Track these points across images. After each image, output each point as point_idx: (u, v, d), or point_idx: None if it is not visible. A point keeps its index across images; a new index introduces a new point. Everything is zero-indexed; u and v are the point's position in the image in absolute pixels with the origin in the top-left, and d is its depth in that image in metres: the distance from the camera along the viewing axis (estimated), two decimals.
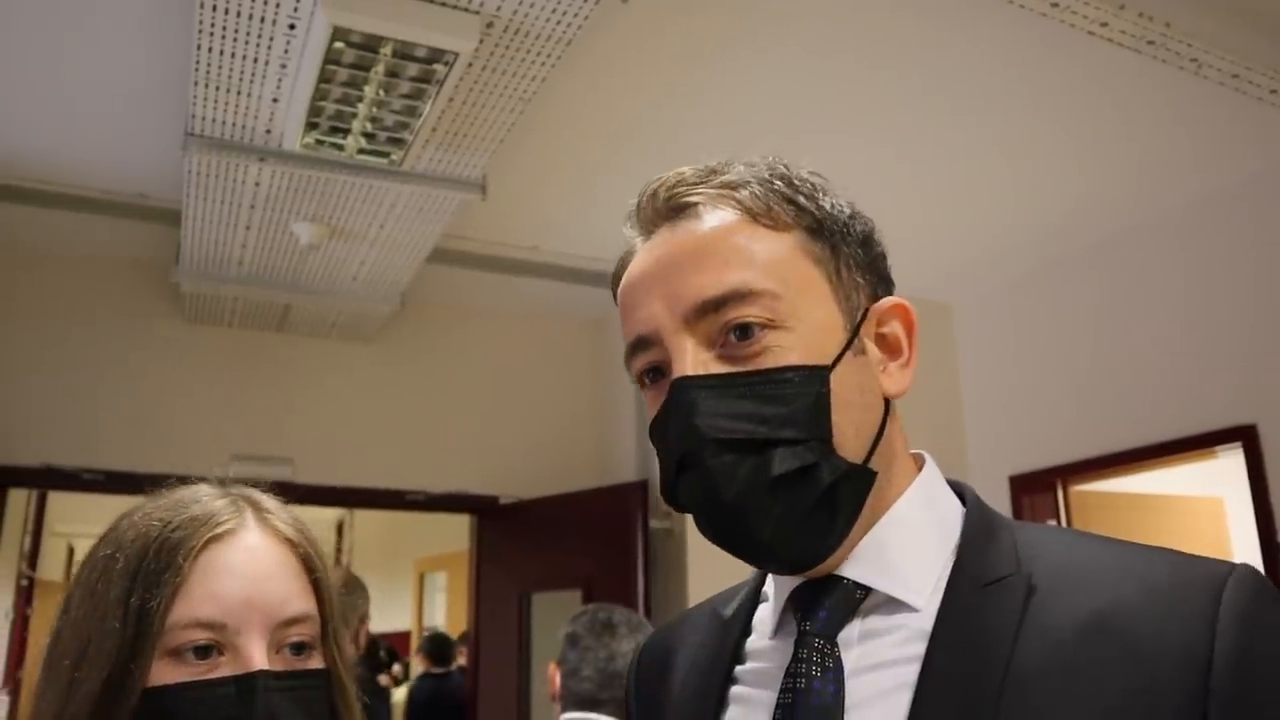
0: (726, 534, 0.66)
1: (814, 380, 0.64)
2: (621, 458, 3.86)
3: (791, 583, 0.70)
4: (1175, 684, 0.57)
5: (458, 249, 3.37)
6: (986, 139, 2.76)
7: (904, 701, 0.61)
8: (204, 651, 0.71)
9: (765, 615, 0.74)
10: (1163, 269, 3.23)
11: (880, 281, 0.72)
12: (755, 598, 0.76)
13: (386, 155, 2.44)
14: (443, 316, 3.91)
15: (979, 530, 0.69)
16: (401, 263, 3.12)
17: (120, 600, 0.71)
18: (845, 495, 0.65)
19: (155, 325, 3.45)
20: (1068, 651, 0.59)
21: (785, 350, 0.64)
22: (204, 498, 0.78)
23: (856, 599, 0.67)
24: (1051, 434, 3.50)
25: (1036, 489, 3.52)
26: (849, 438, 0.65)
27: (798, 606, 0.69)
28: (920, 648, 0.63)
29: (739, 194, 0.69)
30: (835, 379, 0.65)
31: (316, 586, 0.78)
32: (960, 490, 0.73)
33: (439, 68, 2.04)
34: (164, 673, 0.70)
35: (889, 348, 0.70)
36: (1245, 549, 3.83)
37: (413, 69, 2.05)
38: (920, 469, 0.72)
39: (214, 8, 1.88)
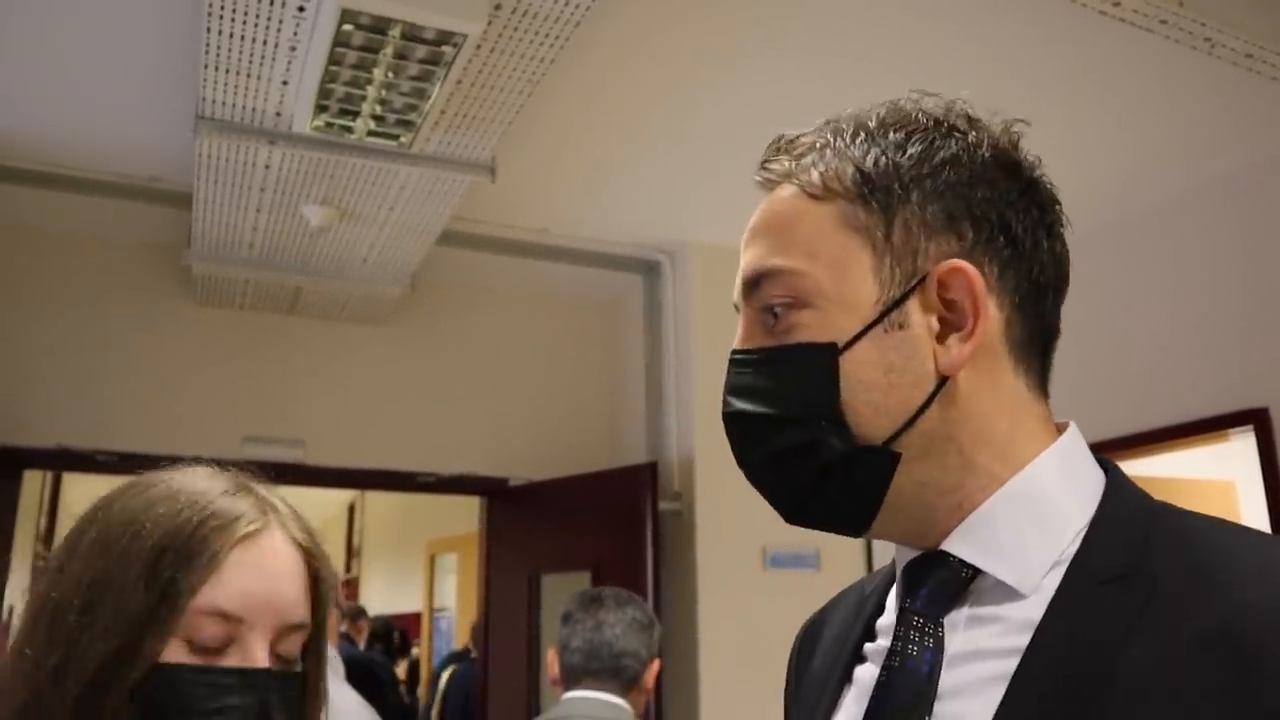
0: (758, 488, 0.69)
1: (819, 358, 0.63)
2: (631, 440, 3.87)
3: (909, 555, 0.67)
4: None
5: (467, 231, 3.38)
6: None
7: (996, 695, 0.58)
8: (216, 651, 0.74)
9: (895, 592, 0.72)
10: (1175, 250, 3.21)
11: (983, 232, 0.64)
12: (894, 573, 0.73)
13: (396, 137, 2.44)
14: (453, 299, 3.92)
15: (1114, 515, 0.63)
16: (411, 245, 3.13)
17: (143, 575, 0.72)
18: (859, 474, 0.63)
19: (167, 308, 3.47)
20: (1180, 663, 0.53)
21: (806, 328, 0.64)
22: (228, 489, 0.80)
23: (964, 578, 0.63)
24: (1061, 416, 3.49)
25: None
26: (865, 418, 0.63)
27: (905, 582, 0.67)
28: (1022, 639, 0.59)
29: (800, 165, 0.68)
30: (849, 357, 0.63)
31: (318, 598, 0.81)
32: (1106, 467, 0.68)
33: (447, 49, 2.04)
34: (174, 653, 0.72)
35: (957, 314, 0.63)
36: None
37: (421, 51, 2.05)
38: (1055, 441, 0.67)
39: None
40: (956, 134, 0.68)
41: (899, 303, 0.63)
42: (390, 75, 2.13)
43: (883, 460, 0.63)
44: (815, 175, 0.67)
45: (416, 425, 3.74)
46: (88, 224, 3.35)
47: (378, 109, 2.29)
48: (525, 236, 3.49)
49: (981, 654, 0.61)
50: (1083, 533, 0.62)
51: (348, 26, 1.95)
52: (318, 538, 0.84)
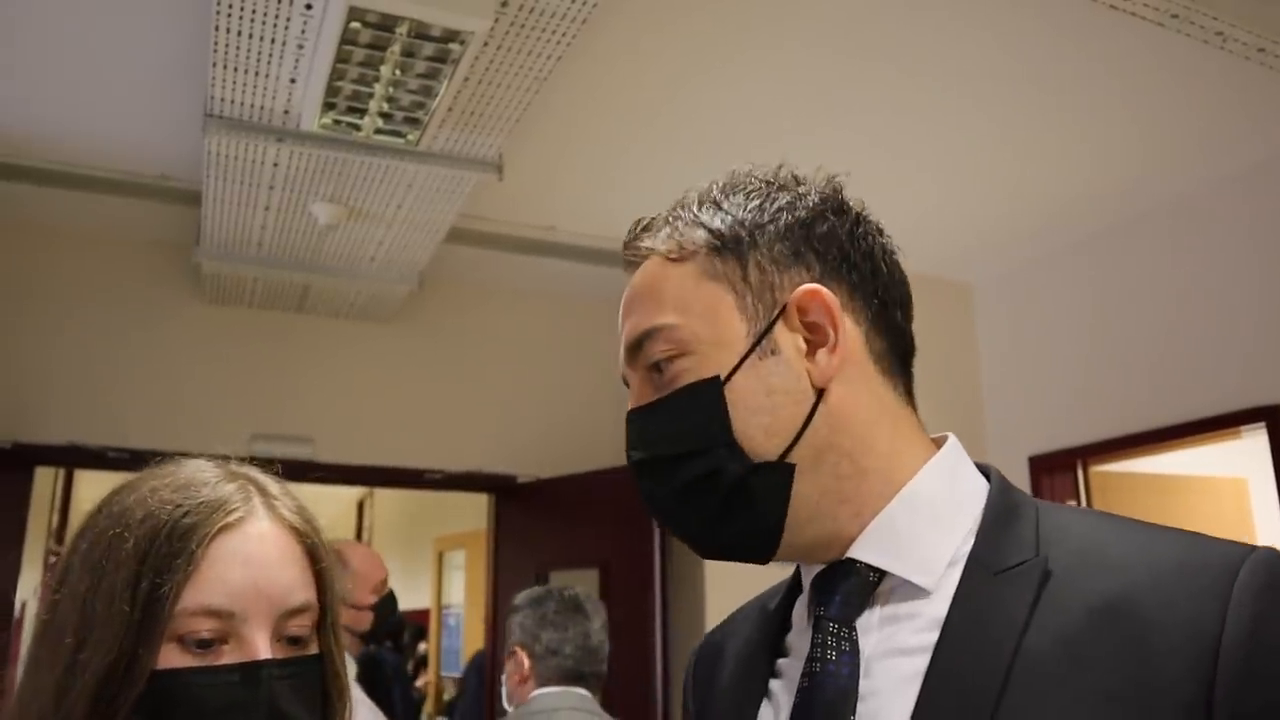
0: (673, 530, 0.75)
1: (706, 393, 0.69)
2: None
3: (815, 570, 0.72)
4: (1181, 666, 0.56)
5: (475, 229, 3.38)
6: (1007, 118, 2.73)
7: (913, 693, 0.63)
8: (207, 644, 0.72)
9: (801, 608, 0.76)
10: (1187, 248, 3.19)
11: (828, 262, 0.73)
12: (795, 590, 0.78)
13: (403, 135, 2.44)
14: (461, 296, 3.92)
15: (1000, 513, 0.69)
16: (419, 243, 3.13)
17: (129, 583, 0.71)
18: (759, 491, 0.68)
19: (176, 305, 3.48)
20: (1075, 640, 0.60)
21: (690, 372, 0.70)
22: (211, 479, 0.78)
23: (871, 582, 0.68)
24: (1072, 414, 3.48)
25: (1056, 469, 3.51)
26: (756, 439, 0.68)
27: (816, 592, 0.71)
28: (933, 636, 0.64)
29: (659, 238, 0.76)
30: (733, 387, 0.69)
31: (319, 576, 0.79)
32: (986, 472, 0.74)
33: (455, 47, 2.04)
34: (170, 657, 0.71)
35: (818, 333, 0.71)
36: (1268, 529, 3.80)
37: (429, 49, 2.05)
38: (938, 449, 0.73)
39: None
40: (786, 188, 0.76)
41: (767, 331, 0.70)
42: (398, 73, 2.14)
43: (779, 474, 0.68)
44: (673, 242, 0.75)
45: (425, 422, 3.75)
46: (98, 222, 3.37)
47: (385, 107, 2.29)
48: (533, 234, 3.49)
49: (900, 652, 0.65)
50: (974, 530, 0.68)
51: (355, 24, 1.95)
52: (312, 518, 0.81)
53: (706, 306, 0.71)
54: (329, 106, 2.28)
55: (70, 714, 0.69)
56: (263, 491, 0.79)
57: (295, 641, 0.76)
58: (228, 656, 0.72)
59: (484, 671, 5.28)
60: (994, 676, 0.60)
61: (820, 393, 0.69)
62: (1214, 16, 2.17)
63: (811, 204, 0.75)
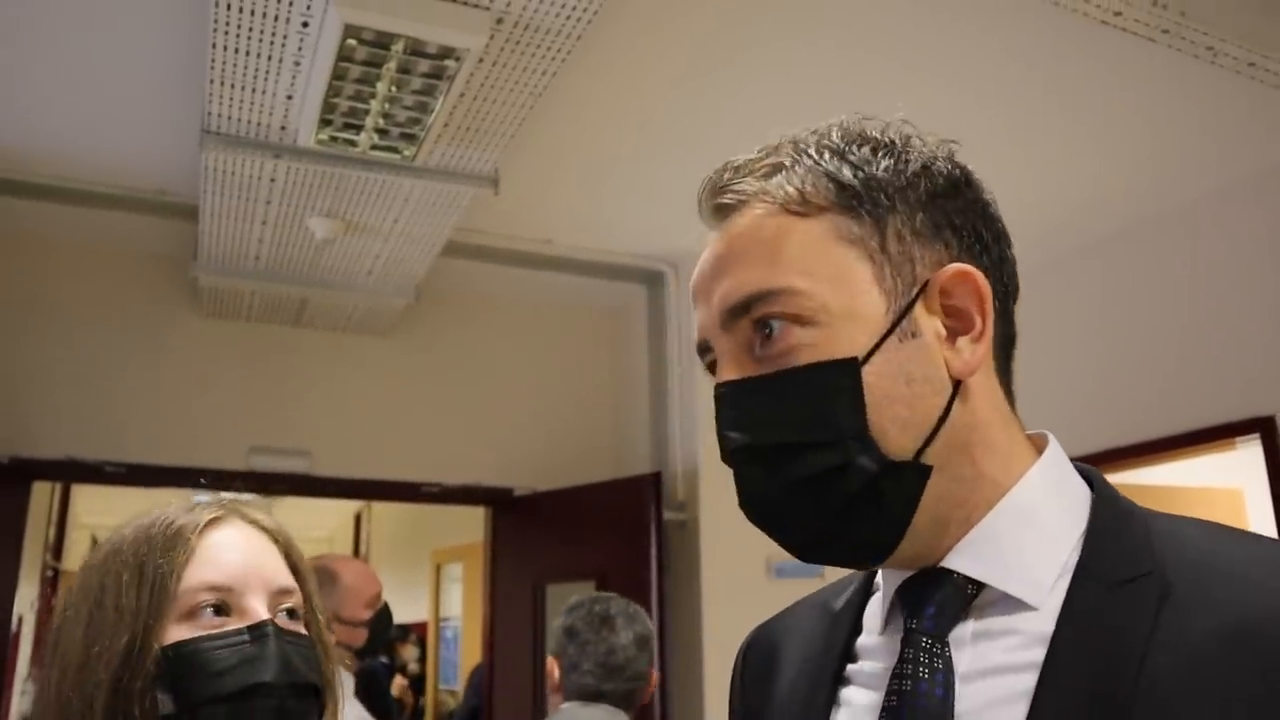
0: (768, 532, 0.66)
1: (841, 375, 0.61)
2: (636, 450, 3.88)
3: (900, 575, 0.66)
4: None
5: (471, 243, 3.39)
6: (998, 131, 2.75)
7: (1019, 713, 0.57)
8: (218, 610, 0.81)
9: (875, 610, 0.70)
10: (1180, 260, 3.21)
11: (964, 241, 0.66)
12: (866, 590, 0.72)
13: (399, 151, 2.46)
14: (457, 310, 3.93)
15: (1108, 520, 0.63)
16: (416, 256, 3.15)
17: (134, 577, 0.80)
18: (890, 494, 0.61)
19: (174, 319, 3.49)
20: (1202, 667, 0.53)
21: (812, 347, 0.61)
22: (178, 504, 0.89)
23: (968, 594, 0.62)
24: (1067, 425, 3.47)
25: None
26: (891, 434, 0.61)
27: (905, 602, 0.65)
28: (1038, 653, 0.58)
29: (772, 183, 0.66)
30: (871, 371, 0.61)
31: (295, 571, 0.90)
32: (1088, 476, 0.67)
33: (450, 64, 2.05)
34: (180, 632, 0.79)
35: (961, 319, 0.64)
36: None
37: (424, 65, 2.07)
38: (1041, 450, 0.67)
39: (229, 6, 1.90)
40: (912, 149, 0.67)
41: (907, 310, 0.63)
42: (393, 89, 2.15)
43: (915, 475, 0.61)
44: (792, 190, 0.65)
45: (422, 436, 3.75)
46: (96, 236, 3.38)
47: (381, 122, 2.30)
48: (529, 247, 3.50)
49: (996, 670, 0.60)
50: (1082, 540, 0.62)
51: (351, 42, 1.97)
52: (281, 524, 0.92)
53: (838, 273, 0.62)
54: (325, 123, 2.30)
55: (93, 699, 0.76)
56: (234, 504, 0.91)
57: (292, 616, 0.86)
58: (233, 625, 0.82)
59: (481, 687, 5.27)
60: (1116, 700, 0.54)
61: (957, 385, 0.62)
62: (1204, 32, 2.19)
63: (945, 170, 0.67)
